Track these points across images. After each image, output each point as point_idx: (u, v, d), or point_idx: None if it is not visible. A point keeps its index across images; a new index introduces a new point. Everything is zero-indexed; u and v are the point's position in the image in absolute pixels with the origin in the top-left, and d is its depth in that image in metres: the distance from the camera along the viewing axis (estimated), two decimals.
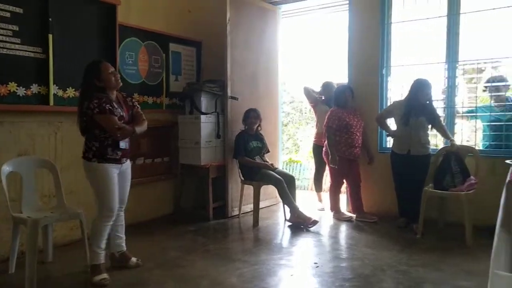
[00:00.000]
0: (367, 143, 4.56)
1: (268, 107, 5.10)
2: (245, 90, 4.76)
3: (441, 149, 4.04)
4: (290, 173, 4.90)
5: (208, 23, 4.95)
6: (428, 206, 3.78)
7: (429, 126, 3.98)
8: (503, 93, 4.06)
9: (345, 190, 4.76)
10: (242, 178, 4.49)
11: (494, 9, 3.92)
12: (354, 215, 4.51)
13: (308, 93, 5.13)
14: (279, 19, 5.31)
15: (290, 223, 4.32)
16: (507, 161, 2.25)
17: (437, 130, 4.04)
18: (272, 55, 5.23)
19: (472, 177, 3.75)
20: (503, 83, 4.07)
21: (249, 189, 4.50)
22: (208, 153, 4.58)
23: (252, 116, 4.46)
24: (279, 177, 4.26)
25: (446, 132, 3.97)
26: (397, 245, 3.55)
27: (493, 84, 4.07)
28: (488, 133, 4.13)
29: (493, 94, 4.10)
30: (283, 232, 4.19)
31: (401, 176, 4.08)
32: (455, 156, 3.83)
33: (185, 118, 4.70)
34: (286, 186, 4.22)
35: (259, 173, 4.33)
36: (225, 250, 3.56)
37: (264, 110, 4.80)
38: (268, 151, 4.69)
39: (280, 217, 4.66)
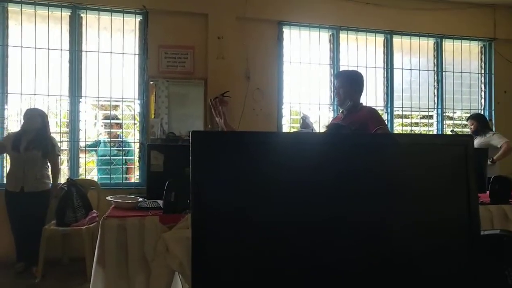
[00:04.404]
0: None
1: None
2: None
3: (62, 183, 3.92)
4: None
5: None
6: (50, 244, 3.62)
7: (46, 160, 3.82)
8: (116, 130, 4.50)
9: None
10: None
11: (111, 52, 4.28)
12: None
13: None
14: None
15: None
16: (108, 198, 2.38)
17: (50, 165, 3.88)
18: None
19: (94, 210, 3.84)
20: (116, 121, 4.50)
21: None
22: None
23: None
24: None
25: (56, 173, 3.89)
26: None
27: (107, 121, 4.42)
28: (102, 166, 4.40)
29: (107, 130, 4.44)
30: None
31: (16, 215, 3.71)
32: (76, 190, 3.81)
33: None
34: None
35: None
36: None
37: None
38: None
39: None
